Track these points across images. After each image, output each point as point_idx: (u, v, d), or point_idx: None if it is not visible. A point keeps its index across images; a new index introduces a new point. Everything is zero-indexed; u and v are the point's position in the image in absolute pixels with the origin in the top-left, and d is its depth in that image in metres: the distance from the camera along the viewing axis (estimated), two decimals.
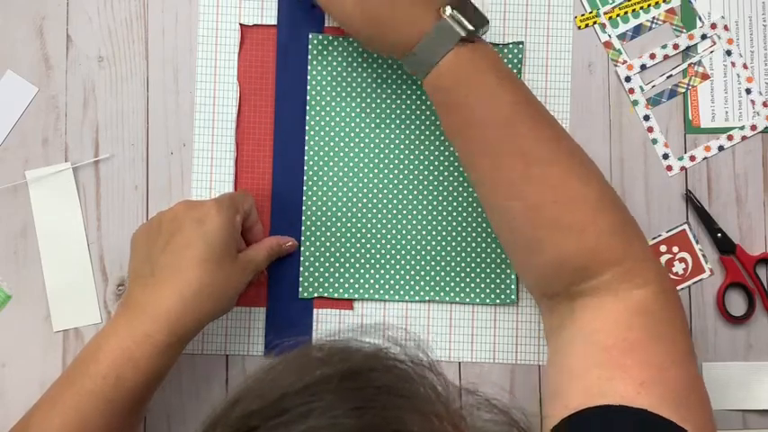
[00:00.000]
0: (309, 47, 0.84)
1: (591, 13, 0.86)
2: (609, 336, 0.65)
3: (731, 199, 0.85)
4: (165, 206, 0.82)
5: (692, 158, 0.85)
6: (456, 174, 0.84)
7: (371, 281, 0.83)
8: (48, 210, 0.83)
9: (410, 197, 0.84)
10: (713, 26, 0.86)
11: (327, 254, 0.83)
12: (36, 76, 0.84)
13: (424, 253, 0.83)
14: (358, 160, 0.84)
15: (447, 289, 0.83)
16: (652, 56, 0.85)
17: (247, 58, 0.85)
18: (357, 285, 0.83)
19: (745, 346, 0.84)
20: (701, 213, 0.84)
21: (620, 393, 0.62)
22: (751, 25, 0.86)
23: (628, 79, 0.85)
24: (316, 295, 0.83)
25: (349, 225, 0.84)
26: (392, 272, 0.83)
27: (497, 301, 0.83)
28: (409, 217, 0.84)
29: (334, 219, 0.84)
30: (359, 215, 0.84)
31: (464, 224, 0.84)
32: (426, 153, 0.84)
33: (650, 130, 0.85)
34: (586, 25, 0.86)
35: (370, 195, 0.84)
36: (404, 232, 0.84)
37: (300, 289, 0.83)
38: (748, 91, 0.85)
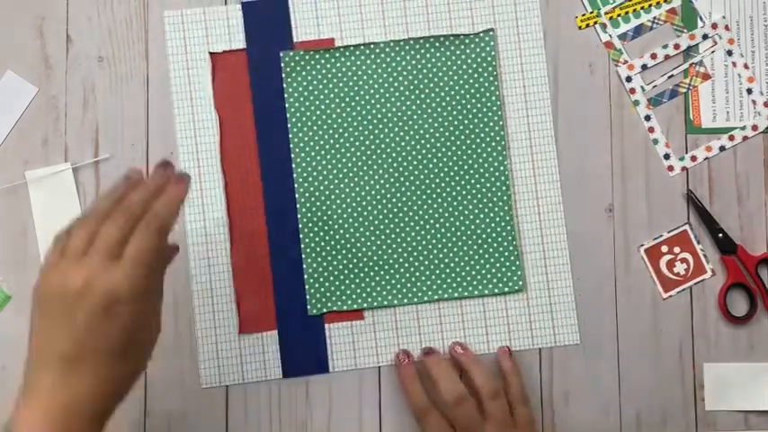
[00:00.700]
0: (282, 65, 0.84)
1: (592, 13, 0.86)
2: None
3: (732, 199, 0.85)
4: None
5: (694, 159, 0.85)
6: (446, 169, 0.84)
7: (378, 288, 0.83)
8: (48, 210, 0.83)
9: (404, 199, 0.84)
10: (714, 26, 0.86)
11: (330, 267, 0.83)
12: (36, 76, 0.84)
13: (426, 253, 0.83)
14: (347, 170, 0.84)
15: (454, 285, 0.83)
16: (653, 56, 0.85)
17: (222, 85, 0.85)
18: (365, 294, 0.83)
19: (746, 347, 0.84)
20: (703, 213, 0.84)
21: None
22: (752, 25, 0.86)
23: (629, 79, 0.85)
24: (324, 310, 0.83)
25: (348, 236, 0.83)
26: (397, 276, 0.83)
27: (506, 289, 0.83)
28: (406, 219, 0.84)
29: (332, 232, 0.83)
30: (356, 224, 0.83)
31: (462, 218, 0.84)
32: (414, 153, 0.84)
33: (651, 130, 0.85)
34: (587, 25, 0.86)
35: (365, 203, 0.84)
36: (403, 235, 0.83)
37: (309, 306, 0.83)
38: (749, 91, 0.85)
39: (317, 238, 0.83)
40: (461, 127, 0.84)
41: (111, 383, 0.62)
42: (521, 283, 0.83)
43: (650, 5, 0.86)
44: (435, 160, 0.84)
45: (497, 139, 0.84)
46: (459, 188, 0.84)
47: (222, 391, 0.82)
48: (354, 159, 0.84)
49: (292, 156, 0.84)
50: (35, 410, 0.61)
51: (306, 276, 0.83)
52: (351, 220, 0.83)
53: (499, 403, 0.77)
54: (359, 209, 0.83)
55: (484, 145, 0.84)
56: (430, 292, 0.83)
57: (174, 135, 0.84)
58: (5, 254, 0.82)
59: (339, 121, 0.84)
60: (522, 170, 0.84)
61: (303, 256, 0.83)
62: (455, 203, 0.84)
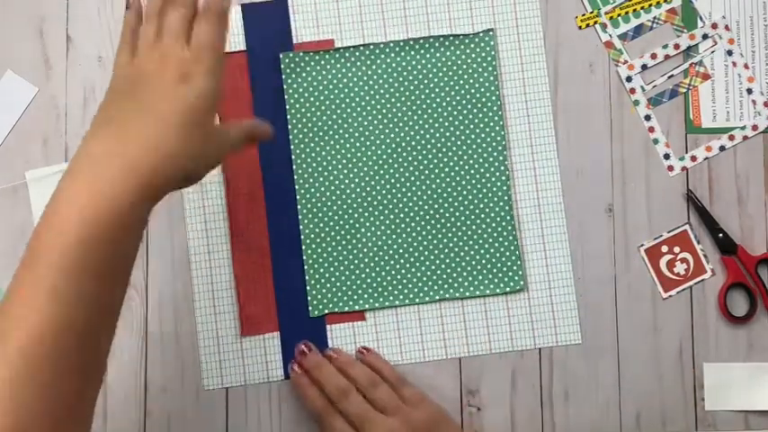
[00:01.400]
0: (282, 66, 0.84)
1: (592, 13, 0.86)
2: None
3: (732, 199, 0.85)
4: (165, 206, 0.82)
5: (694, 159, 0.85)
6: (447, 169, 0.84)
7: (380, 289, 0.83)
8: None
9: (404, 200, 0.84)
10: (714, 26, 0.85)
11: (332, 269, 0.83)
12: (36, 76, 0.84)
13: (427, 253, 0.83)
14: (348, 171, 0.84)
15: (455, 285, 0.83)
16: (653, 56, 0.85)
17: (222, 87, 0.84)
18: (366, 295, 0.83)
19: (746, 347, 0.84)
20: (703, 213, 0.84)
21: None
22: (752, 25, 0.86)
23: (629, 79, 0.85)
24: (326, 312, 0.83)
25: (348, 237, 0.83)
26: (399, 276, 0.83)
27: (507, 289, 0.83)
28: (407, 220, 0.84)
29: (332, 233, 0.83)
30: (357, 225, 0.83)
31: (462, 218, 0.84)
32: (415, 153, 0.84)
33: (651, 130, 0.85)
34: (587, 25, 0.85)
35: (365, 204, 0.84)
36: (404, 236, 0.83)
37: (310, 308, 0.83)
38: (749, 91, 0.85)
39: (317, 240, 0.83)
40: (462, 127, 0.84)
41: (171, 158, 0.61)
42: (522, 282, 0.83)
43: (650, 5, 0.86)
44: (436, 161, 0.84)
45: (498, 139, 0.84)
46: (459, 188, 0.84)
47: (222, 390, 0.82)
48: (355, 160, 0.84)
49: (293, 157, 0.84)
50: (80, 183, 0.58)
51: (307, 278, 0.83)
52: (351, 221, 0.83)
53: (382, 388, 0.78)
54: (359, 209, 0.83)
55: (484, 145, 0.84)
56: (431, 293, 0.83)
57: None
58: (5, 254, 0.82)
59: (339, 122, 0.84)
60: (523, 170, 0.84)
61: (304, 257, 0.83)
62: (456, 204, 0.84)
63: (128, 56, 0.65)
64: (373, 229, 0.83)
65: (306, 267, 0.83)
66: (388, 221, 0.83)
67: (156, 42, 0.64)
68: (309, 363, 0.80)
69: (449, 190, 0.84)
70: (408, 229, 0.83)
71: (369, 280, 0.83)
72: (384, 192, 0.84)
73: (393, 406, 0.77)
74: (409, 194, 0.84)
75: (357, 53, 0.84)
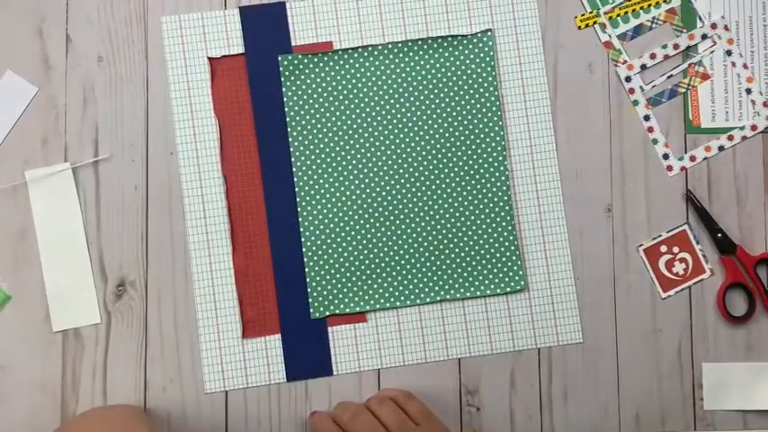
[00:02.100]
0: (280, 69, 0.84)
1: (591, 13, 0.86)
2: None
3: (731, 199, 0.85)
4: (165, 206, 0.83)
5: (693, 158, 0.85)
6: (447, 170, 0.84)
7: (380, 290, 0.83)
8: (47, 210, 0.83)
9: (405, 201, 0.84)
10: (713, 26, 0.85)
11: (332, 270, 0.83)
12: (36, 76, 0.84)
13: (427, 254, 0.83)
14: (347, 173, 0.84)
15: (456, 286, 0.83)
16: (652, 56, 0.85)
17: (221, 89, 0.85)
18: (367, 297, 0.83)
19: (745, 347, 0.84)
20: (702, 213, 0.84)
21: None
22: (751, 25, 0.86)
23: (628, 79, 0.85)
24: (327, 313, 0.83)
25: (349, 238, 0.83)
26: (399, 278, 0.83)
27: (507, 289, 0.83)
28: (407, 221, 0.84)
29: (333, 234, 0.83)
30: (357, 227, 0.84)
31: (462, 219, 0.84)
32: (414, 154, 0.84)
33: (650, 130, 0.85)
34: (586, 25, 0.86)
35: (365, 206, 0.84)
36: (404, 237, 0.84)
37: (311, 310, 0.83)
38: (748, 91, 0.85)
39: (318, 241, 0.83)
40: (461, 128, 0.84)
41: None
42: (522, 282, 0.83)
43: (649, 5, 0.86)
44: (435, 161, 0.84)
45: (497, 139, 0.84)
46: (459, 189, 0.84)
47: (224, 391, 0.83)
48: (354, 162, 0.84)
49: (292, 159, 0.84)
50: None
51: (308, 279, 0.83)
52: (352, 222, 0.83)
53: (388, 407, 0.77)
54: (360, 211, 0.84)
55: (484, 145, 0.84)
56: (432, 293, 0.83)
57: (174, 135, 0.84)
58: (5, 254, 0.83)
59: (339, 123, 0.84)
60: (522, 170, 0.84)
61: (305, 259, 0.83)
62: (456, 204, 0.84)
63: None
64: (374, 230, 0.83)
65: (307, 269, 0.83)
66: (388, 222, 0.83)
67: None
68: (331, 416, 0.80)
69: (449, 191, 0.84)
70: (409, 230, 0.84)
71: (369, 281, 0.83)
72: (384, 193, 0.84)
73: (400, 424, 0.76)
74: (409, 195, 0.84)
75: (356, 55, 0.84)
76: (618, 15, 0.86)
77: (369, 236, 0.83)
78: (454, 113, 0.84)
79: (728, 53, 0.86)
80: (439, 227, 0.84)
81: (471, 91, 0.84)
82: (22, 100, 0.84)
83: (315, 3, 0.85)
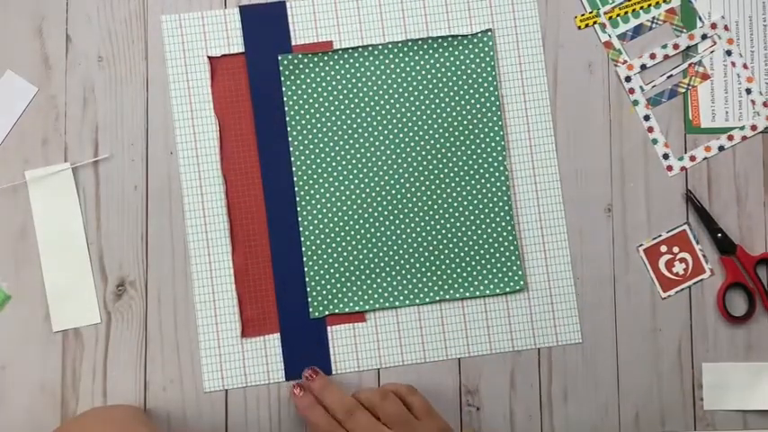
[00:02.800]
0: (280, 68, 0.84)
1: (591, 13, 0.86)
2: None
3: (731, 199, 0.85)
4: (165, 206, 0.82)
5: (693, 158, 0.85)
6: (446, 170, 0.84)
7: (380, 290, 0.83)
8: (47, 210, 0.83)
9: (404, 201, 0.84)
10: (713, 26, 0.86)
11: (332, 270, 0.83)
12: (36, 76, 0.84)
13: (427, 254, 0.83)
14: (347, 173, 0.84)
15: (456, 286, 0.83)
16: (652, 56, 0.85)
17: (221, 89, 0.85)
18: (366, 296, 0.83)
19: (745, 347, 0.84)
20: (702, 213, 0.84)
21: None
22: (751, 25, 0.86)
23: (628, 79, 0.85)
24: (327, 313, 0.83)
25: (348, 238, 0.83)
26: (399, 277, 0.83)
27: (507, 289, 0.83)
28: (407, 221, 0.84)
29: (332, 234, 0.83)
30: (356, 226, 0.83)
31: (462, 219, 0.84)
32: (414, 154, 0.84)
33: (650, 130, 0.85)
34: (586, 25, 0.86)
35: (365, 205, 0.84)
36: (404, 236, 0.84)
37: (310, 309, 0.83)
38: (748, 91, 0.85)
39: (317, 241, 0.83)
40: (461, 128, 0.84)
41: None
42: (522, 282, 0.83)
43: (649, 5, 0.86)
44: (435, 161, 0.84)
45: (497, 139, 0.84)
46: (459, 189, 0.84)
47: (223, 390, 0.83)
48: (354, 161, 0.84)
49: (292, 159, 0.84)
50: None
51: (307, 279, 0.83)
52: (351, 222, 0.83)
53: (390, 400, 0.77)
54: (359, 210, 0.84)
55: (483, 145, 0.84)
56: (431, 293, 0.83)
57: (174, 135, 0.84)
58: (5, 254, 0.83)
59: (339, 123, 0.84)
60: (522, 170, 0.84)
61: (304, 258, 0.83)
62: (455, 204, 0.84)
63: None
64: (373, 230, 0.83)
65: (306, 268, 0.83)
66: (387, 222, 0.83)
67: None
68: (315, 385, 0.79)
69: (448, 190, 0.84)
70: (408, 230, 0.84)
71: (369, 281, 0.83)
72: (384, 192, 0.84)
73: (401, 419, 0.76)
74: (409, 195, 0.84)
75: (356, 54, 0.84)
76: (618, 15, 0.86)
77: (368, 235, 0.83)
78: (454, 113, 0.84)
79: (728, 53, 0.86)
80: (438, 227, 0.84)
81: (471, 91, 0.84)
82: (22, 100, 0.84)
83: (315, 2, 0.85)
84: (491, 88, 0.84)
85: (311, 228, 0.83)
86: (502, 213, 0.84)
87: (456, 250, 0.84)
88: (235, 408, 0.83)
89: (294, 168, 0.84)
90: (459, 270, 0.83)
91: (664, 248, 0.85)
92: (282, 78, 0.84)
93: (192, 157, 0.84)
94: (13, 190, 0.83)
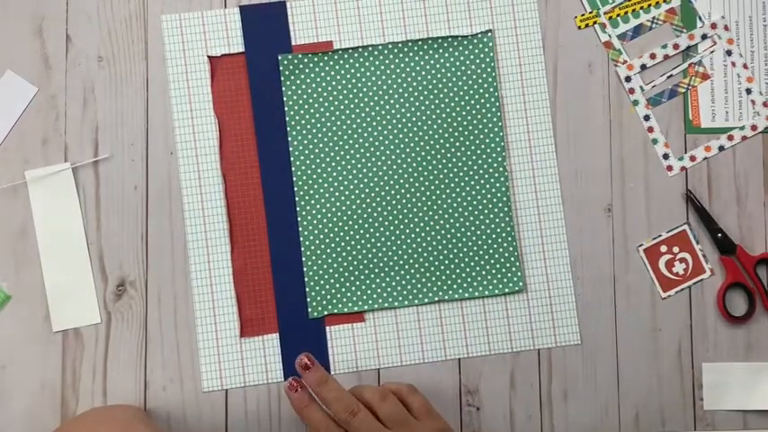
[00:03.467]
0: (280, 68, 0.84)
1: (591, 13, 0.86)
2: None
3: (731, 199, 0.85)
4: (165, 206, 0.82)
5: (693, 158, 0.85)
6: (446, 171, 0.84)
7: (378, 290, 0.83)
8: (47, 210, 0.83)
9: (404, 201, 0.84)
10: (713, 26, 0.85)
11: (331, 270, 0.83)
12: (36, 76, 0.84)
13: (426, 254, 0.83)
14: (346, 173, 0.84)
15: (455, 286, 0.83)
16: (652, 56, 0.85)
17: (220, 88, 0.85)
18: (365, 297, 0.83)
19: (745, 347, 0.84)
20: (702, 213, 0.84)
21: None
22: (751, 25, 0.86)
23: (628, 79, 0.85)
24: (325, 313, 0.83)
25: (348, 238, 0.83)
26: (398, 278, 0.83)
27: (506, 290, 0.83)
28: (406, 221, 0.84)
29: (331, 234, 0.83)
30: (356, 227, 0.83)
31: (462, 219, 0.84)
32: (414, 155, 0.84)
33: (650, 130, 0.85)
34: (586, 25, 0.86)
35: (364, 206, 0.84)
36: (403, 237, 0.83)
37: (309, 309, 0.83)
38: (748, 91, 0.85)
39: (317, 241, 0.83)
40: (460, 128, 0.84)
41: None
42: (521, 283, 0.83)
43: (649, 5, 0.86)
44: (435, 162, 0.84)
45: (497, 140, 0.84)
46: (458, 189, 0.84)
47: (222, 390, 0.83)
48: (354, 162, 0.84)
49: (292, 158, 0.84)
50: None
51: (306, 279, 0.83)
52: (351, 222, 0.83)
53: (390, 400, 0.76)
54: (359, 211, 0.83)
55: (483, 146, 0.84)
56: (430, 294, 0.83)
57: (174, 135, 0.84)
58: (5, 254, 0.83)
59: (338, 123, 0.84)
60: (522, 170, 0.84)
61: (303, 258, 0.83)
62: (455, 205, 0.84)
63: None
64: (372, 230, 0.83)
65: (305, 269, 0.83)
66: (387, 223, 0.83)
67: None
68: (312, 380, 0.76)
69: (448, 191, 0.84)
70: (407, 231, 0.84)
71: (368, 281, 0.83)
72: (383, 193, 0.84)
73: (401, 420, 0.76)
74: (408, 195, 0.84)
75: (356, 55, 0.84)
76: (618, 15, 0.86)
77: (367, 236, 0.83)
78: (454, 114, 0.84)
79: (728, 53, 0.86)
80: (437, 227, 0.84)
81: (471, 91, 0.84)
82: (22, 100, 0.84)
83: (315, 2, 0.85)
84: (491, 89, 0.84)
85: (310, 228, 0.83)
86: (501, 214, 0.84)
87: (455, 251, 0.84)
88: (235, 407, 0.83)
89: (293, 168, 0.84)
90: (458, 271, 0.83)
91: (664, 248, 0.85)
92: (282, 78, 0.84)
93: (192, 156, 0.84)
94: (13, 190, 0.83)
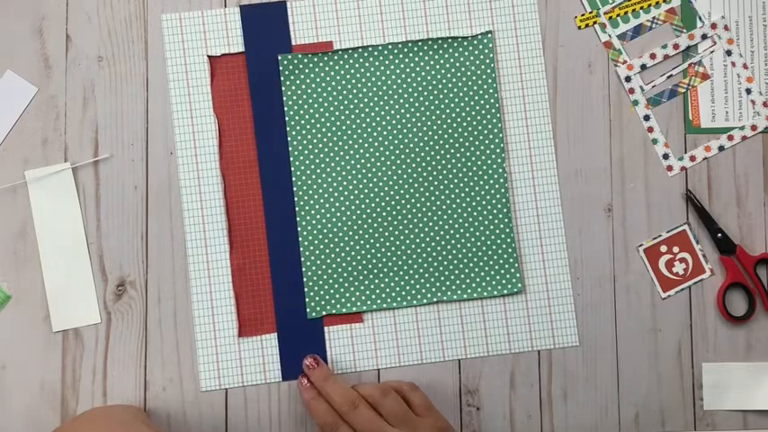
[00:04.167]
0: (280, 68, 0.84)
1: (591, 13, 0.86)
2: None
3: (731, 199, 0.85)
4: (165, 206, 0.82)
5: (693, 158, 0.85)
6: (445, 171, 0.84)
7: (377, 291, 0.83)
8: (47, 210, 0.83)
9: (403, 202, 0.84)
10: (713, 26, 0.85)
11: (329, 270, 0.83)
12: (36, 76, 0.84)
13: (425, 255, 0.83)
14: (346, 173, 0.84)
15: (453, 287, 0.83)
16: (652, 56, 0.85)
17: (220, 88, 0.85)
18: (364, 297, 0.83)
19: (745, 347, 0.84)
20: (702, 213, 0.84)
21: None
22: (751, 25, 0.86)
23: (628, 79, 0.85)
24: (324, 313, 0.83)
25: (347, 239, 0.83)
26: (396, 278, 0.83)
27: (504, 291, 0.83)
28: (405, 222, 0.84)
29: (330, 234, 0.83)
30: (355, 227, 0.83)
31: (460, 220, 0.84)
32: (413, 155, 0.84)
33: (650, 130, 0.85)
34: (586, 25, 0.86)
35: (363, 206, 0.84)
36: (402, 238, 0.83)
37: (308, 309, 0.83)
38: (748, 91, 0.85)
39: (315, 241, 0.83)
40: (460, 129, 0.84)
41: None
42: (520, 285, 0.83)
43: (649, 5, 0.86)
44: (434, 162, 0.84)
45: (496, 141, 0.84)
46: (458, 191, 0.84)
47: (222, 390, 0.83)
48: (353, 162, 0.84)
49: (291, 159, 0.84)
50: None
51: (305, 279, 0.83)
52: (350, 223, 0.83)
53: (391, 397, 0.77)
54: (358, 211, 0.83)
55: (483, 147, 0.84)
56: (429, 295, 0.83)
57: (174, 135, 0.84)
58: (5, 254, 0.83)
59: (338, 124, 0.84)
60: (521, 171, 0.84)
61: (302, 259, 0.83)
62: (454, 206, 0.84)
63: None
64: (371, 230, 0.83)
65: (304, 269, 0.83)
66: (386, 223, 0.83)
67: None
68: (317, 377, 0.80)
69: (447, 192, 0.84)
70: (406, 231, 0.83)
71: (366, 282, 0.83)
72: (382, 193, 0.84)
73: (401, 416, 0.76)
74: (407, 196, 0.84)
75: (356, 55, 0.84)
76: (618, 15, 0.86)
77: (366, 236, 0.83)
78: (453, 114, 0.84)
79: (728, 53, 0.86)
80: (437, 228, 0.84)
81: (471, 92, 0.84)
82: (22, 100, 0.84)
83: (315, 2, 0.85)
84: (491, 90, 0.84)
85: (309, 228, 0.83)
86: (500, 215, 0.84)
87: (454, 252, 0.84)
88: (235, 407, 0.83)
89: (293, 168, 0.84)
90: (456, 271, 0.83)
91: (664, 248, 0.85)
92: (282, 78, 0.84)
93: (191, 156, 0.84)
94: (13, 190, 0.83)
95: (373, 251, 0.83)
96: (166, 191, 0.83)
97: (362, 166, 0.84)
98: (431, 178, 0.84)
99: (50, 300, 0.82)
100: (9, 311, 0.82)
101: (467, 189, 0.84)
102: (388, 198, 0.84)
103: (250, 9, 0.85)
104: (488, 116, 0.84)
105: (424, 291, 0.83)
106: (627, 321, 0.84)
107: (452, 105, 0.84)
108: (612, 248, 0.85)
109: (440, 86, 0.84)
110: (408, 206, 0.84)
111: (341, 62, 0.84)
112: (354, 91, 0.84)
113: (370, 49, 0.84)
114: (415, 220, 0.84)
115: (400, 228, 0.83)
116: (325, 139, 0.84)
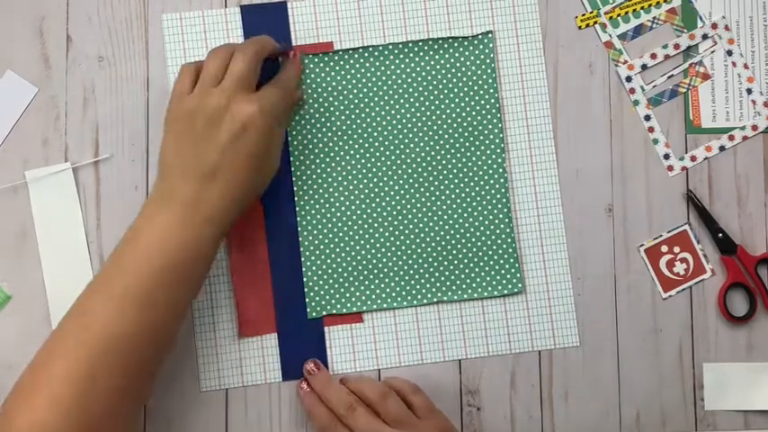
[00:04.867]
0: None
1: (591, 12, 0.85)
2: None
3: (732, 199, 0.85)
4: None
5: (693, 158, 0.85)
6: (445, 171, 0.84)
7: (377, 291, 0.83)
8: (48, 210, 0.83)
9: (403, 202, 0.84)
10: (714, 26, 0.85)
11: (330, 270, 0.83)
12: (36, 76, 0.84)
13: (425, 255, 0.83)
14: (346, 173, 0.84)
15: (454, 287, 0.83)
16: (653, 56, 0.85)
17: None
18: (364, 297, 0.83)
19: (746, 347, 0.84)
20: (702, 213, 0.84)
21: None
22: (752, 25, 0.86)
23: (628, 79, 0.85)
24: (324, 313, 0.83)
25: (347, 239, 0.83)
26: (396, 278, 0.83)
27: (505, 291, 0.83)
28: (406, 222, 0.83)
29: (331, 234, 0.83)
30: (355, 227, 0.83)
31: (461, 220, 0.83)
32: (413, 155, 0.84)
33: (651, 130, 0.85)
34: (587, 25, 0.85)
35: (364, 206, 0.84)
36: (402, 238, 0.83)
37: (308, 309, 0.83)
38: (749, 91, 0.85)
39: (316, 241, 0.83)
40: (460, 129, 0.84)
41: (239, 196, 0.73)
42: (520, 285, 0.83)
43: (650, 5, 0.86)
44: (434, 162, 0.84)
45: (496, 141, 0.84)
46: (458, 190, 0.84)
47: (222, 390, 0.83)
48: (353, 162, 0.84)
49: (291, 159, 0.84)
50: (174, 216, 0.71)
51: (305, 279, 0.83)
52: (350, 222, 0.83)
53: (392, 399, 0.77)
54: (358, 211, 0.83)
55: (483, 147, 0.84)
56: (429, 295, 0.83)
57: None
58: (5, 254, 0.83)
59: (338, 124, 0.84)
60: (521, 171, 0.84)
61: (302, 258, 0.83)
62: (454, 206, 0.84)
63: (189, 83, 0.74)
64: (371, 230, 0.83)
65: (304, 269, 0.83)
66: (386, 223, 0.83)
67: (218, 85, 0.73)
68: (317, 382, 0.80)
69: (447, 192, 0.84)
70: (406, 231, 0.83)
71: (367, 282, 0.83)
72: (382, 194, 0.84)
73: (402, 419, 0.76)
74: (408, 196, 0.84)
75: (356, 55, 0.84)
76: (618, 15, 0.86)
77: (366, 236, 0.83)
78: (454, 115, 0.84)
79: (729, 53, 0.86)
80: (437, 228, 0.84)
81: (471, 92, 0.84)
82: (22, 100, 0.84)
83: (316, 3, 0.85)
84: (491, 90, 0.84)
85: (310, 228, 0.83)
86: (500, 215, 0.84)
87: (454, 252, 0.83)
88: (235, 407, 0.82)
89: (293, 168, 0.84)
90: (456, 272, 0.83)
91: (664, 248, 0.84)
92: None
93: None
94: (13, 190, 0.83)
95: (373, 251, 0.83)
96: None
97: (363, 166, 0.84)
98: (431, 178, 0.84)
99: (50, 300, 0.82)
100: (9, 311, 0.82)
101: (467, 189, 0.84)
102: (388, 198, 0.84)
103: (250, 9, 0.85)
104: (489, 116, 0.84)
105: (424, 291, 0.83)
106: (627, 321, 0.84)
107: (453, 105, 0.84)
108: (613, 248, 0.85)
109: (440, 86, 0.84)
110: (409, 206, 0.84)
111: (341, 62, 0.84)
112: (355, 91, 0.84)
113: (370, 49, 0.84)
114: (416, 220, 0.83)
115: (400, 228, 0.83)
116: (325, 140, 0.84)
